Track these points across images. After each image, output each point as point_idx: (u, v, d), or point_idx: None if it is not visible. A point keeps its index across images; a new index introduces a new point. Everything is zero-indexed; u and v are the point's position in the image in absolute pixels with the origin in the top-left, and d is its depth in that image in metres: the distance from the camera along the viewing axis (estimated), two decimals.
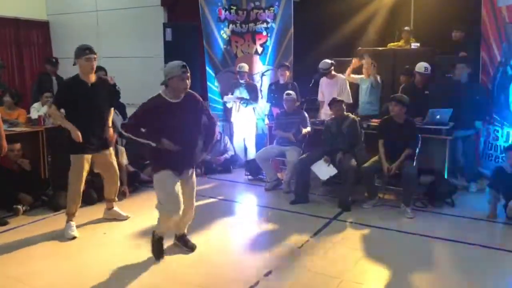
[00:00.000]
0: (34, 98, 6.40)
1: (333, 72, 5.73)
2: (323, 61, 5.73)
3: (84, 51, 3.88)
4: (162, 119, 3.28)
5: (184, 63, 3.29)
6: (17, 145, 4.70)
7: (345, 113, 5.01)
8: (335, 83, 5.76)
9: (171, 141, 3.27)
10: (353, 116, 5.05)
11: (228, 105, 6.57)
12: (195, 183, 3.63)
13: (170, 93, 3.32)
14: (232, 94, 6.38)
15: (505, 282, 3.34)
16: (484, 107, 5.26)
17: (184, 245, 3.67)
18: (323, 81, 5.86)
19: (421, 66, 5.26)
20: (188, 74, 3.30)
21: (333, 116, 5.09)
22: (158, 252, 3.51)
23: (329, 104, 5.08)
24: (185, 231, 3.74)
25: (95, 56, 3.94)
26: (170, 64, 3.35)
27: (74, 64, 3.96)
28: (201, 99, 3.55)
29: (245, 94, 6.30)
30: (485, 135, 5.53)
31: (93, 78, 3.99)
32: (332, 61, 5.72)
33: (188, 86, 3.33)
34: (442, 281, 3.21)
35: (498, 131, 5.39)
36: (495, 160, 5.39)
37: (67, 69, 7.13)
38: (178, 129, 3.31)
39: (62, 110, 4.00)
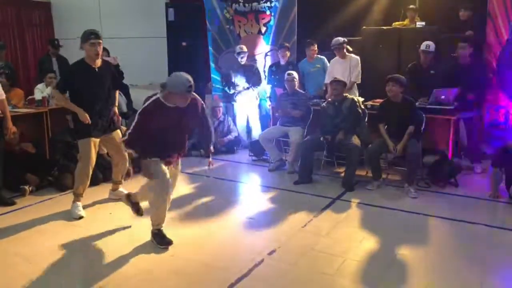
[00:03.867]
0: (38, 80, 6.41)
1: (344, 51, 5.65)
2: (335, 38, 5.65)
3: (89, 36, 3.85)
4: (157, 122, 3.23)
5: (191, 83, 3.15)
6: (13, 129, 4.65)
7: (344, 94, 4.95)
8: (348, 62, 5.66)
9: (160, 141, 3.30)
10: (352, 96, 5.00)
11: (229, 91, 6.55)
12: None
13: (166, 99, 3.23)
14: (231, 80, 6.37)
15: (507, 259, 3.37)
16: (485, 87, 5.21)
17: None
18: (335, 61, 5.75)
19: (424, 44, 5.21)
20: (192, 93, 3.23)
21: (329, 99, 5.06)
22: (166, 240, 3.48)
23: (330, 83, 5.04)
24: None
25: (100, 41, 3.91)
26: (177, 77, 3.18)
27: (80, 48, 3.93)
28: (202, 104, 3.49)
29: (243, 81, 6.27)
30: (489, 115, 5.50)
31: (99, 62, 3.98)
32: (345, 39, 5.63)
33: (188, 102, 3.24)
34: (445, 260, 3.24)
35: (504, 111, 5.35)
36: (500, 140, 5.37)
37: (70, 50, 7.15)
38: (168, 130, 3.30)
39: (67, 94, 4.01)
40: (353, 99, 4.93)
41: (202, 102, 3.53)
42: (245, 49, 6.30)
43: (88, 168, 4.04)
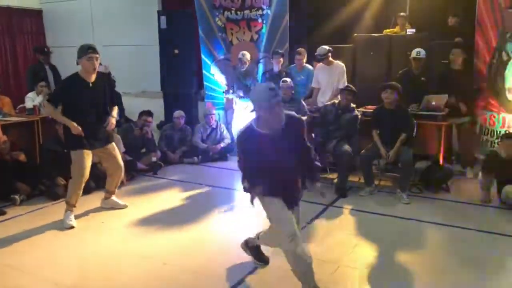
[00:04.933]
0: (29, 88, 6.37)
1: (330, 59, 5.70)
2: (320, 47, 5.69)
3: (86, 51, 3.82)
4: (254, 153, 2.72)
5: (273, 86, 2.60)
6: (3, 138, 4.62)
7: (352, 105, 4.96)
8: (334, 69, 5.71)
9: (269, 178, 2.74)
10: (356, 110, 4.97)
11: (229, 96, 6.56)
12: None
13: (258, 122, 2.66)
14: (233, 88, 6.38)
15: (499, 264, 3.39)
16: (477, 93, 5.27)
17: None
18: (320, 67, 5.81)
19: (414, 51, 5.27)
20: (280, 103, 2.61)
21: (335, 101, 5.07)
22: (262, 257, 3.21)
23: (341, 90, 5.06)
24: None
25: (97, 55, 3.89)
26: (256, 87, 2.87)
27: (77, 64, 3.90)
28: (304, 124, 2.86)
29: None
30: (481, 120, 5.55)
31: (93, 77, 3.95)
32: (329, 48, 5.69)
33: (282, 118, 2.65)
34: (437, 265, 3.25)
35: (494, 117, 5.41)
36: (491, 145, 5.43)
37: (61, 59, 7.14)
38: (272, 164, 2.70)
39: (59, 107, 3.96)
40: (356, 115, 4.91)
41: (304, 122, 2.86)
42: (248, 56, 6.30)
43: (81, 178, 4.00)
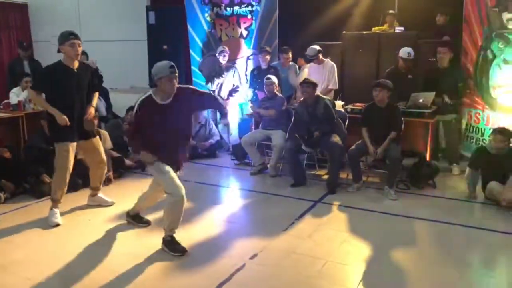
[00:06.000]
0: (8, 84, 6.27)
1: (321, 57, 5.71)
2: (310, 47, 5.70)
3: (68, 37, 3.77)
4: (151, 121, 3.28)
5: (172, 64, 3.28)
6: None
7: (317, 94, 4.91)
8: (324, 68, 5.73)
9: (157, 143, 3.30)
10: (325, 98, 4.93)
11: (212, 87, 6.50)
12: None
13: (159, 94, 3.31)
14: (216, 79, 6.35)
15: (484, 258, 3.46)
16: (463, 91, 5.33)
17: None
18: (311, 66, 5.82)
19: (405, 52, 5.29)
20: (176, 75, 3.28)
21: (301, 99, 5.06)
22: (180, 248, 3.39)
23: (300, 84, 5.06)
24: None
25: (80, 41, 3.83)
26: (157, 64, 3.32)
27: (58, 51, 3.84)
28: (190, 88, 3.54)
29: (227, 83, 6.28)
30: (466, 118, 5.62)
31: (76, 64, 3.89)
32: (319, 48, 5.70)
33: (175, 88, 3.30)
34: (424, 260, 3.29)
35: (479, 114, 5.49)
36: (476, 142, 5.50)
37: (47, 53, 7.03)
38: (165, 130, 3.31)
39: (43, 95, 3.91)
40: (326, 102, 4.85)
41: (190, 86, 3.57)
42: (227, 49, 6.28)
43: (65, 172, 3.94)
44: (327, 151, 4.85)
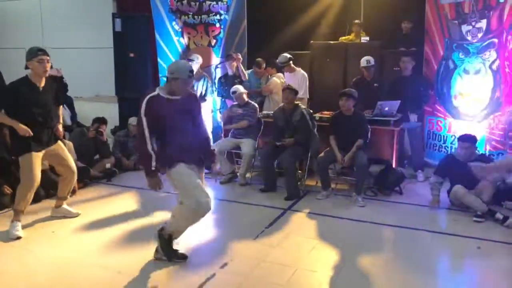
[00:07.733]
0: None
1: (292, 66, 5.78)
2: (281, 54, 5.76)
3: (36, 53, 3.66)
4: (163, 116, 3.11)
5: (192, 69, 3.22)
6: None
7: (296, 102, 4.99)
8: (295, 76, 5.80)
9: (174, 142, 3.15)
10: (302, 107, 5.02)
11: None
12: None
13: (166, 89, 3.16)
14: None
15: (448, 263, 3.56)
16: (423, 99, 5.50)
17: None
18: (287, 76, 5.88)
19: (364, 60, 5.47)
20: (193, 79, 3.29)
21: (281, 105, 5.13)
22: (172, 253, 3.30)
23: (282, 90, 5.12)
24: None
25: (48, 57, 3.73)
26: (178, 63, 3.32)
27: (26, 68, 3.71)
28: (198, 103, 3.42)
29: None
30: (428, 126, 5.81)
31: (43, 80, 3.79)
32: (290, 56, 5.77)
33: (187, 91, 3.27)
34: (391, 266, 3.35)
35: (441, 122, 5.68)
36: (438, 149, 5.69)
37: (8, 61, 6.79)
38: (178, 125, 3.17)
39: (2, 110, 3.75)
40: (302, 111, 4.94)
41: (198, 100, 3.44)
42: (200, 59, 6.20)
43: (32, 183, 3.79)
44: (282, 164, 4.92)
